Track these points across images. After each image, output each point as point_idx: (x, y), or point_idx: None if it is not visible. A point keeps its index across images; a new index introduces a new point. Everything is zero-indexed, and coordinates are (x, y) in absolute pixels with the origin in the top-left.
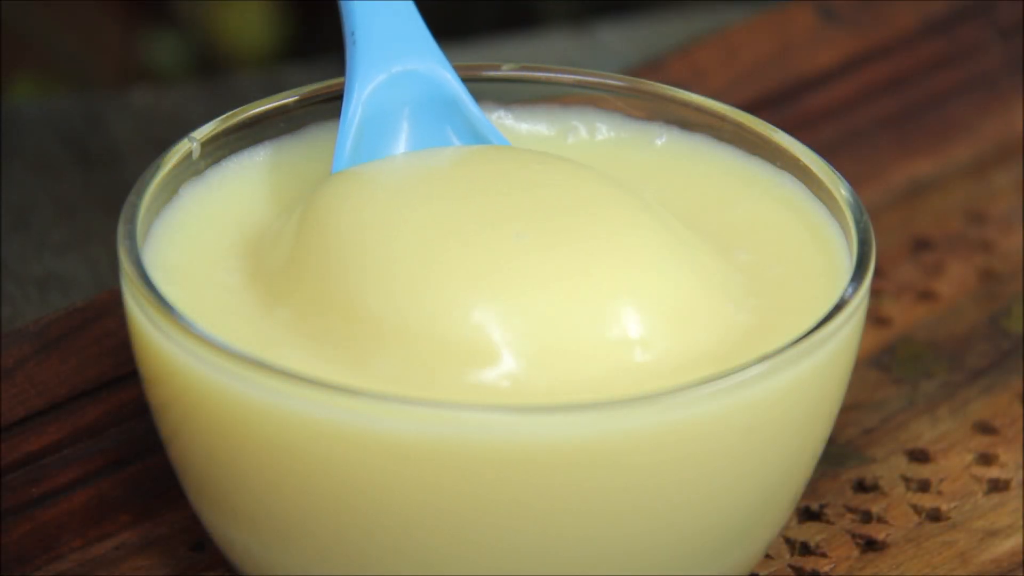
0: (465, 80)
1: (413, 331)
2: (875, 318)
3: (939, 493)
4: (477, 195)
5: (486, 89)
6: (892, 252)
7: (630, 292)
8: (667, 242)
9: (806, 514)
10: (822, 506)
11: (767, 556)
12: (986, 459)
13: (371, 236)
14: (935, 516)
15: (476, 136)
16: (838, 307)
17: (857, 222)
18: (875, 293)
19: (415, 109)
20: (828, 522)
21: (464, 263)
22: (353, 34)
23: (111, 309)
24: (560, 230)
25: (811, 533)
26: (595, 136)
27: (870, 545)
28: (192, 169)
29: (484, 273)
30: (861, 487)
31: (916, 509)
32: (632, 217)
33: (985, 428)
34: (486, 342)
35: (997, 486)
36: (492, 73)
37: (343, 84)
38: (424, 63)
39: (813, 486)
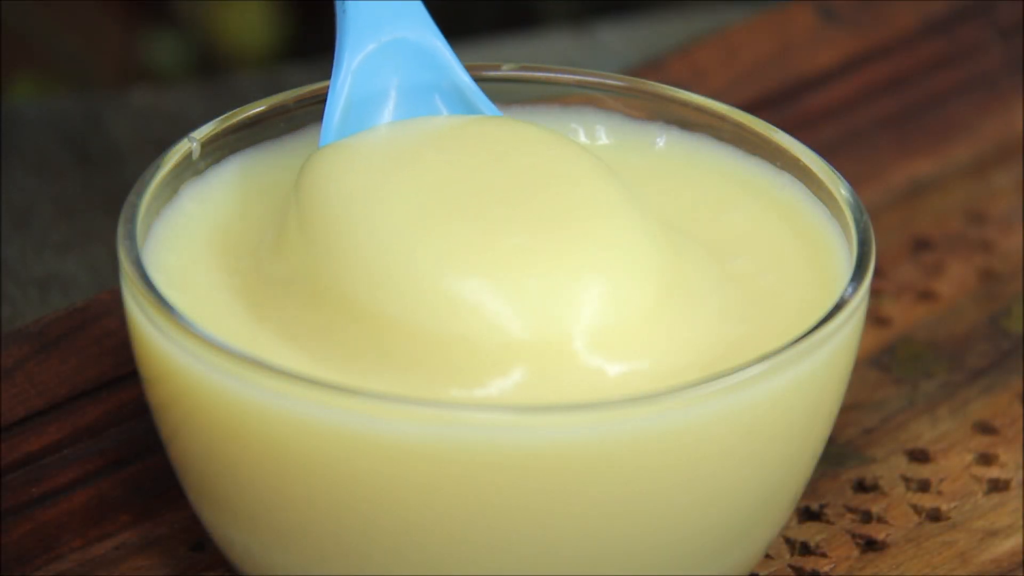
0: None
1: (408, 329)
2: (875, 318)
3: (939, 493)
4: (466, 175)
5: (486, 89)
6: (892, 252)
7: (622, 297)
8: (658, 245)
9: (806, 514)
10: (822, 506)
11: (767, 556)
12: (986, 459)
13: (360, 230)
14: (935, 516)
15: (467, 105)
16: (838, 307)
17: (857, 222)
18: (875, 293)
19: (405, 78)
20: (828, 522)
21: (454, 259)
22: (343, 3)
23: (111, 309)
24: (547, 219)
25: (811, 533)
26: (594, 137)
27: (870, 545)
28: (192, 169)
29: (475, 273)
30: (861, 487)
31: (916, 509)
32: (623, 213)
33: (985, 428)
34: (478, 342)
35: (997, 486)
36: (492, 73)
37: None
38: (415, 32)
39: (813, 486)
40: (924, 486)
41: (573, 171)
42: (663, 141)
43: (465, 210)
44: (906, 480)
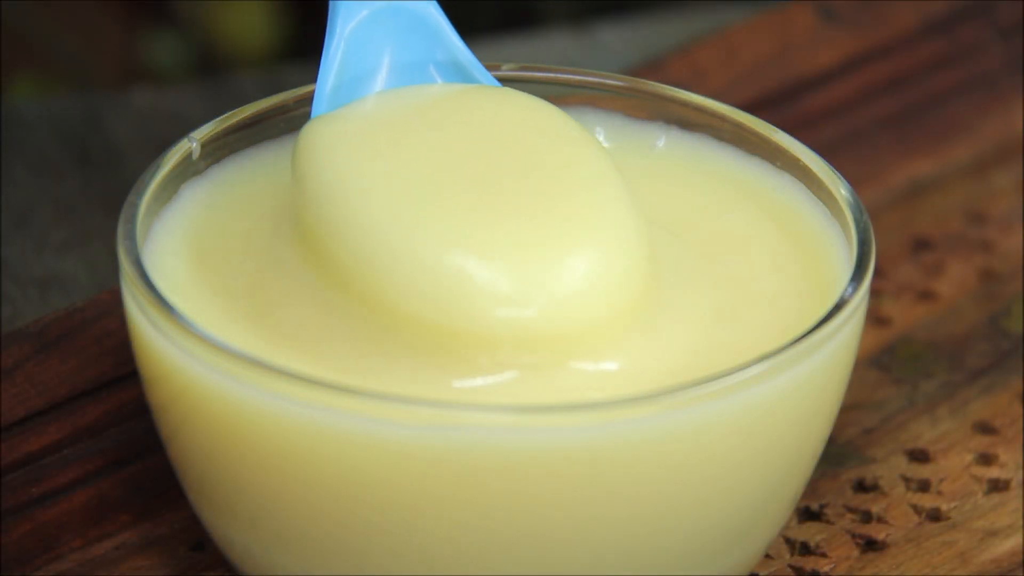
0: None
1: (406, 327)
2: (875, 318)
3: (939, 493)
4: (460, 151)
5: None
6: (892, 252)
7: (619, 296)
8: (649, 244)
9: (806, 514)
10: (822, 506)
11: (767, 556)
12: (986, 459)
13: (356, 223)
14: (935, 516)
15: (461, 73)
16: (838, 307)
17: (857, 222)
18: (875, 293)
19: (399, 45)
20: (828, 522)
21: (449, 253)
22: None
23: (111, 309)
24: (543, 206)
25: (811, 533)
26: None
27: (870, 545)
28: (192, 169)
29: (470, 267)
30: (861, 487)
31: (916, 509)
32: (620, 206)
33: (985, 428)
34: (476, 340)
35: (997, 486)
36: (492, 73)
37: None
38: None
39: (813, 486)
40: (924, 486)
41: (569, 152)
42: (663, 142)
43: (458, 194)
44: (906, 480)
